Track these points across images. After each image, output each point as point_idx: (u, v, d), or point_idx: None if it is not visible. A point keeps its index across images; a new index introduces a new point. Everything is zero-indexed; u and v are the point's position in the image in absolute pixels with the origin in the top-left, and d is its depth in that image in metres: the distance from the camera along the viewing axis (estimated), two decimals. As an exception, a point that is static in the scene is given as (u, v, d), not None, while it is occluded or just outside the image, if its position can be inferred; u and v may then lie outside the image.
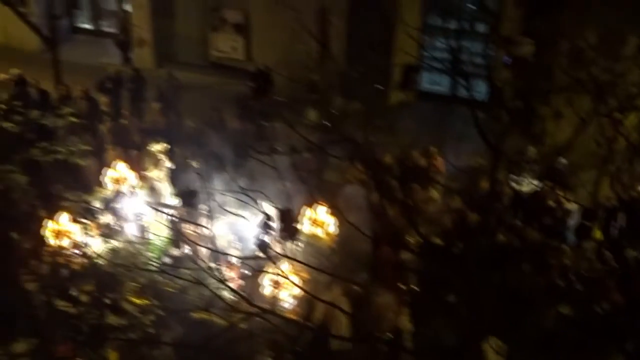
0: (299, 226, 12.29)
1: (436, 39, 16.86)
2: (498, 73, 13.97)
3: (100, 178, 14.26)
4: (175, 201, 14.49)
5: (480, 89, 7.99)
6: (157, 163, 14.70)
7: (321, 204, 12.02)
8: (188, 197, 12.26)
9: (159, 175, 14.81)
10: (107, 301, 11.85)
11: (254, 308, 7.40)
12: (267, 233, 5.43)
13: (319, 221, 12.17)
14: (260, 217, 11.64)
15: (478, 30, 19.62)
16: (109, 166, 14.88)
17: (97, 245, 13.09)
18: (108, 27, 24.48)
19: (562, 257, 12.22)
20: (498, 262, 8.87)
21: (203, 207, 11.51)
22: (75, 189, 14.37)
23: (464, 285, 7.12)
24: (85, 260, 12.69)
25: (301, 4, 14.44)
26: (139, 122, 18.09)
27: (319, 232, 12.39)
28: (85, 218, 13.52)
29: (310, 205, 12.04)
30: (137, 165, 15.19)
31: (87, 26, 24.94)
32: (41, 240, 13.01)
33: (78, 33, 24.71)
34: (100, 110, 18.44)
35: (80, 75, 19.73)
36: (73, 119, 15.44)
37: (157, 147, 14.58)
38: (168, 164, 14.55)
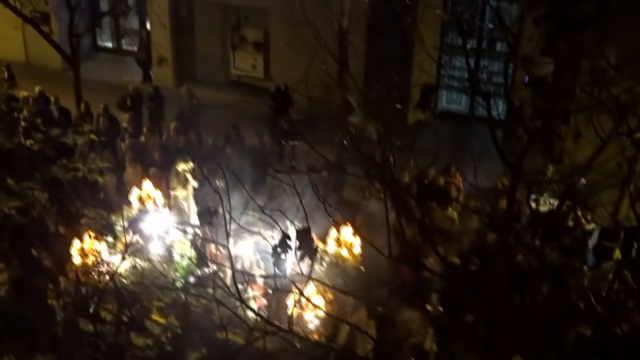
0: (320, 246, 12.27)
1: (455, 58, 16.96)
2: (517, 92, 13.95)
3: (121, 195, 14.32)
4: (199, 220, 14.50)
5: (500, 108, 7.96)
6: (183, 182, 14.66)
7: (346, 225, 11.99)
8: (208, 216, 12.23)
9: (185, 195, 14.81)
10: (128, 319, 11.85)
11: (274, 327, 7.39)
12: (285, 252, 5.44)
13: (345, 242, 12.11)
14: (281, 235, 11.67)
15: (497, 49, 19.78)
16: (129, 184, 14.96)
17: (121, 264, 13.12)
18: (129, 46, 24.74)
19: (581, 278, 12.13)
20: (517, 282, 8.82)
21: (224, 226, 11.50)
22: (96, 206, 14.45)
23: (484, 305, 7.08)
24: (109, 279, 12.73)
25: (320, 23, 14.49)
26: (159, 140, 18.20)
27: (344, 252, 12.38)
28: (108, 236, 13.58)
29: (336, 226, 12.01)
30: (159, 183, 15.27)
31: (108, 44, 25.24)
32: (64, 257, 13.10)
33: (99, 51, 25.03)
34: (120, 127, 18.61)
35: (102, 93, 19.96)
36: (93, 137, 15.56)
37: (183, 166, 14.54)
38: (194, 183, 14.52)
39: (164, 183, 15.58)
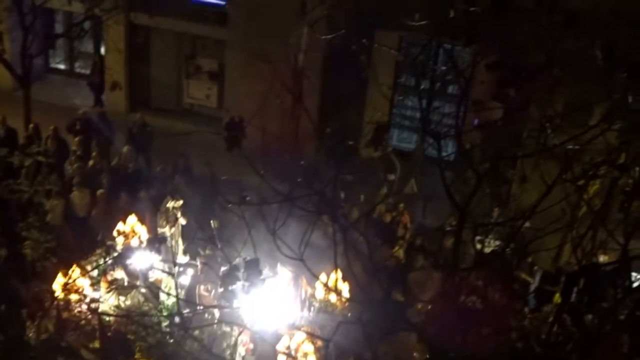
0: (309, 291, 12.18)
1: (408, 98, 17.25)
2: (468, 135, 14.19)
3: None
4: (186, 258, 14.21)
5: (450, 149, 8.12)
6: (172, 220, 14.38)
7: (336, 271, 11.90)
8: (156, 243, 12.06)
9: (172, 233, 14.48)
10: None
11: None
12: (232, 283, 5.41)
13: (334, 287, 12.01)
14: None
15: (449, 91, 20.13)
16: (76, 207, 14.67)
17: (105, 301, 12.79)
18: (82, 69, 24.53)
19: (523, 319, 12.29)
20: (460, 322, 8.90)
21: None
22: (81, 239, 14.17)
23: (427, 343, 7.14)
24: (91, 316, 12.35)
25: (276, 57, 14.64)
26: (107, 165, 18.03)
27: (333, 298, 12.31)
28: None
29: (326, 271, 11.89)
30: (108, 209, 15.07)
31: (61, 67, 24.99)
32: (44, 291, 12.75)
33: (52, 73, 24.75)
34: (69, 150, 18.40)
35: (52, 115, 19.74)
36: (41, 158, 15.35)
37: (172, 204, 14.17)
38: (183, 220, 14.12)
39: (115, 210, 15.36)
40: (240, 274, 5.57)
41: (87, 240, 15.30)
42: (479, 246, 8.10)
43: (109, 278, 13.36)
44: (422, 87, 7.24)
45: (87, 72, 23.78)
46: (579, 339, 8.13)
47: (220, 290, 5.73)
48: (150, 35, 22.44)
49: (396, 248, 14.70)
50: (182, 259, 14.11)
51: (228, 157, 6.64)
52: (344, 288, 12.06)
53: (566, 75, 7.89)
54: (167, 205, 13.98)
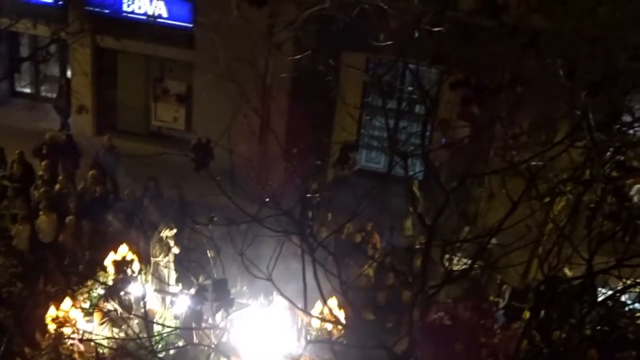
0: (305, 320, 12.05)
1: (375, 118, 17.37)
2: (435, 154, 14.33)
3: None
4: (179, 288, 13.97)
5: (417, 169, 8.19)
6: (166, 249, 14.04)
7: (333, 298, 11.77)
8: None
9: (166, 262, 13.93)
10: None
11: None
12: (201, 304, 5.38)
13: (331, 316, 11.87)
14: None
15: (416, 111, 20.30)
16: (41, 232, 14.44)
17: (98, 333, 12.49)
18: (48, 92, 24.36)
19: (492, 336, 12.36)
20: (431, 340, 8.94)
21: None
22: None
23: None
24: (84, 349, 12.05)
25: (244, 78, 14.66)
26: (74, 189, 17.89)
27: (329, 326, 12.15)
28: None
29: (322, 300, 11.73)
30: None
31: (27, 90, 24.78)
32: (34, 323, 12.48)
33: (17, 97, 24.53)
34: (35, 175, 18.22)
35: (17, 139, 19.53)
36: (6, 183, 15.20)
37: (167, 233, 13.87)
38: (176, 249, 13.83)
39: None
40: (209, 294, 5.55)
41: (52, 266, 15.11)
42: (447, 264, 8.14)
43: (103, 309, 13.08)
44: (388, 106, 7.28)
45: (53, 95, 23.60)
46: (548, 355, 8.20)
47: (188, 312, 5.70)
48: (117, 58, 22.36)
49: (366, 267, 14.72)
50: (174, 288, 13.86)
51: (197, 179, 6.64)
52: (340, 316, 11.90)
53: (530, 93, 8.01)
54: (161, 234, 13.63)
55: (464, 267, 9.89)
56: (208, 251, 11.94)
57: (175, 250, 13.64)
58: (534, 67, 7.45)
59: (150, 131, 23.05)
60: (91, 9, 20.52)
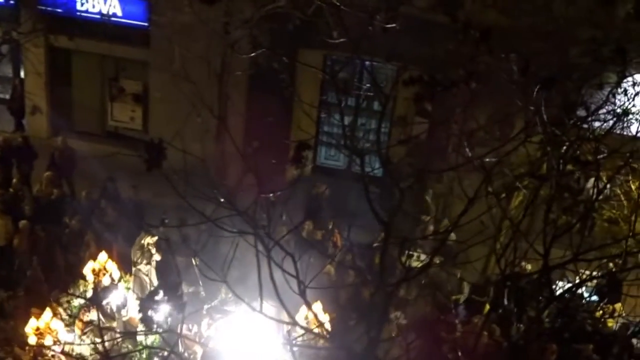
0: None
1: (332, 116, 17.33)
2: (393, 150, 14.36)
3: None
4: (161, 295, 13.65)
5: (376, 165, 8.13)
6: (148, 256, 13.60)
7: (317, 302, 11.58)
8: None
9: (147, 269, 13.75)
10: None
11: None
12: (152, 308, 5.27)
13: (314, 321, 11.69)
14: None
15: (375, 108, 20.32)
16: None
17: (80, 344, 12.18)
18: (1, 94, 23.92)
19: (453, 331, 12.45)
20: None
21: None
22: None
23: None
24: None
25: (200, 77, 14.50)
26: (29, 191, 17.58)
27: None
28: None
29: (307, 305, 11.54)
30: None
31: (-21, 92, 24.32)
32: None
33: (-31, 98, 24.07)
34: (-12, 178, 17.89)
35: (-31, 141, 19.11)
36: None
37: (149, 240, 13.60)
38: (157, 257, 13.56)
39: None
40: (160, 298, 5.47)
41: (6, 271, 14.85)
42: (406, 261, 8.13)
43: (84, 319, 12.82)
44: (343, 104, 7.24)
45: (6, 96, 23.18)
46: (507, 349, 8.25)
47: (140, 315, 5.61)
48: (72, 57, 22.02)
49: (326, 265, 14.68)
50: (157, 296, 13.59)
51: (155, 179, 6.53)
52: (325, 320, 11.76)
53: (485, 89, 8.02)
54: (142, 241, 13.35)
55: (423, 263, 9.93)
56: (193, 259, 11.81)
57: (157, 257, 13.37)
58: (488, 62, 7.46)
59: (107, 131, 22.77)
60: (44, 8, 20.18)
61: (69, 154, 18.82)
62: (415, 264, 12.20)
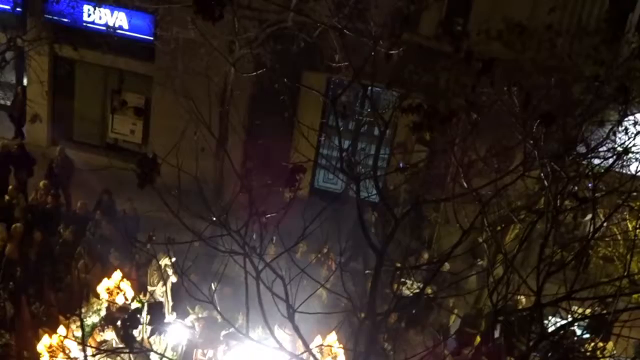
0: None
1: (332, 140, 17.34)
2: (391, 177, 14.31)
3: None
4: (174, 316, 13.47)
5: (372, 191, 8.08)
6: (164, 277, 13.41)
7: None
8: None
9: (163, 291, 13.55)
10: None
11: None
12: (134, 327, 5.20)
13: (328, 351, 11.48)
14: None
15: (375, 133, 20.32)
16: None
17: None
18: (3, 100, 23.90)
19: (443, 362, 12.32)
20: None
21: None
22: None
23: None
24: None
25: (201, 95, 14.49)
26: (23, 199, 17.50)
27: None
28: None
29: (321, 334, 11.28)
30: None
31: (-20, 97, 24.29)
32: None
33: (-30, 104, 24.05)
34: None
35: (-32, 147, 19.07)
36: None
37: (166, 261, 13.32)
38: (174, 278, 13.36)
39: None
40: (143, 317, 5.38)
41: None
42: (397, 289, 8.06)
43: (98, 339, 12.67)
44: (342, 128, 7.20)
45: (8, 103, 23.17)
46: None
47: (121, 333, 5.52)
48: (75, 67, 22.03)
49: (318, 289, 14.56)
50: (170, 317, 13.45)
51: (153, 194, 6.46)
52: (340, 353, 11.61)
53: (486, 120, 8.00)
54: (160, 262, 13.12)
55: (416, 292, 9.83)
56: (212, 284, 11.63)
57: (173, 279, 13.16)
58: (490, 94, 7.44)
59: (107, 143, 22.72)
60: (50, 17, 20.21)
61: (66, 164, 18.76)
62: (407, 292, 12.12)
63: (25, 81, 22.73)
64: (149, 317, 5.24)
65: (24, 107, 22.14)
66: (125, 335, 5.34)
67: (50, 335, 11.71)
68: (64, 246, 15.88)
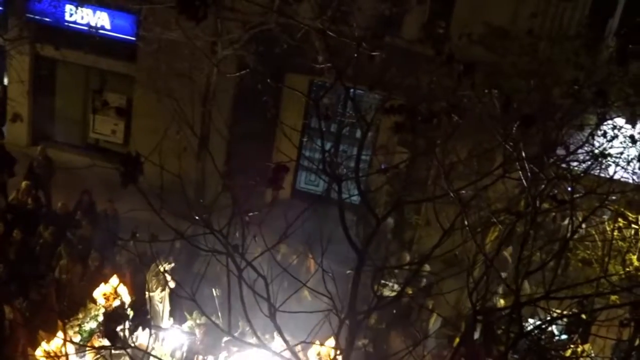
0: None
1: (314, 141, 17.39)
2: (372, 179, 14.36)
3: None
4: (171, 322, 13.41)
5: (355, 192, 8.13)
6: (163, 283, 13.43)
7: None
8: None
9: (161, 296, 13.61)
10: None
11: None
12: (119, 323, 5.21)
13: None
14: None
15: (357, 135, 20.38)
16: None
17: None
18: (-18, 100, 23.74)
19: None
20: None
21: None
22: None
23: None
24: None
25: (184, 95, 14.57)
26: (4, 200, 17.40)
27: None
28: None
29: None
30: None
31: (-40, 96, 24.11)
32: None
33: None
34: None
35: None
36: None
37: (165, 267, 13.10)
38: (172, 284, 13.26)
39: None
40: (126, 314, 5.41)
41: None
42: (378, 289, 8.11)
43: (96, 344, 12.54)
44: (324, 129, 7.24)
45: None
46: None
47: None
48: (57, 67, 21.95)
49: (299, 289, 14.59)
50: (167, 323, 13.38)
51: (134, 194, 6.47)
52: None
53: (467, 123, 8.07)
54: (160, 268, 13.04)
55: (395, 293, 9.91)
56: (214, 290, 11.59)
57: (172, 284, 13.10)
58: (471, 96, 7.51)
59: (88, 143, 22.65)
60: (32, 16, 20.12)
61: (47, 164, 18.67)
62: (387, 293, 12.17)
63: (5, 80, 22.58)
64: (132, 312, 5.26)
65: (5, 107, 22.01)
66: (108, 331, 5.36)
67: (47, 342, 11.67)
68: (44, 246, 15.81)
